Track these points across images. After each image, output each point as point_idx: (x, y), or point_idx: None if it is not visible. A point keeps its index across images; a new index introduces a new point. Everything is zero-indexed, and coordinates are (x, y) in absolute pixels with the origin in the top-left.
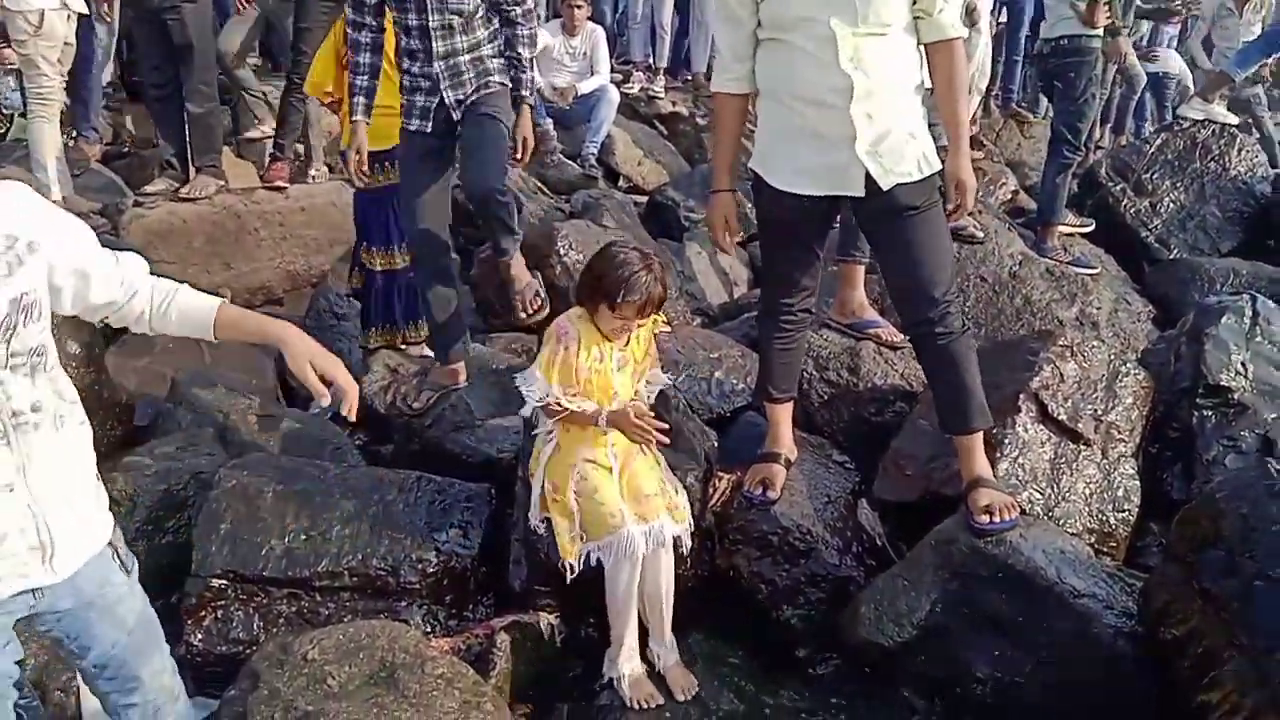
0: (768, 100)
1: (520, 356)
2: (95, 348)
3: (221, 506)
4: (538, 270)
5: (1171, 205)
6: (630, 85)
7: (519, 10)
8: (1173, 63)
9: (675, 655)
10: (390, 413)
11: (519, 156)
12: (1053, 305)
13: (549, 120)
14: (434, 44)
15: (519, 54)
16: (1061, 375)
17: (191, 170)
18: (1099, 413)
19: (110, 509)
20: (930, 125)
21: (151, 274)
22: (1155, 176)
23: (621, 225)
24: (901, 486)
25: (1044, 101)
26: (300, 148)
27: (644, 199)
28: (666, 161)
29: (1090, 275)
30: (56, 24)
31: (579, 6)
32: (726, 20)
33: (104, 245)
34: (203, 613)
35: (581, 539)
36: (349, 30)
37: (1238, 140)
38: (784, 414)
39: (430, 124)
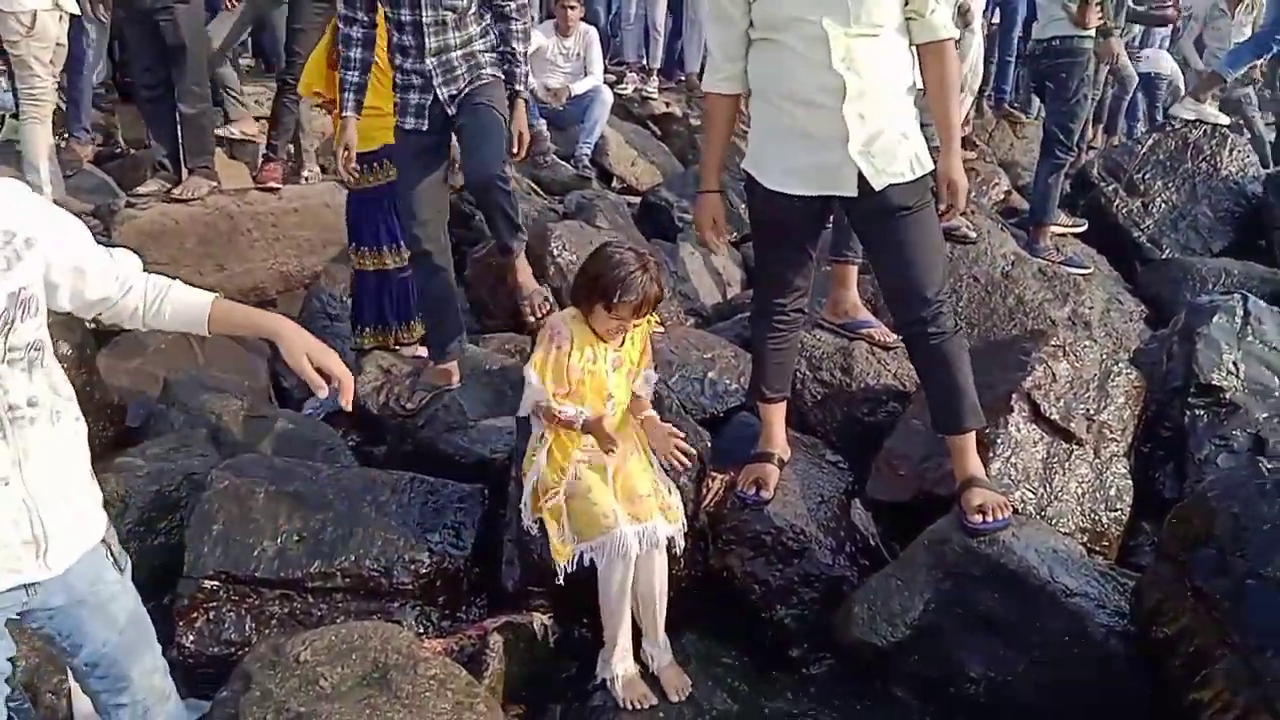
0: (760, 101)
1: (514, 357)
2: (87, 349)
3: (214, 507)
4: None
5: (1163, 205)
6: (624, 86)
7: (513, 5)
8: (1164, 63)
9: (669, 655)
10: (383, 413)
11: (515, 150)
12: (1045, 305)
13: (542, 121)
14: (427, 40)
15: (514, 48)
16: (1054, 375)
17: (184, 171)
18: (1091, 412)
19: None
20: (923, 126)
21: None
22: (1147, 177)
23: (615, 226)
24: (895, 486)
25: (1036, 102)
26: (291, 149)
27: (637, 200)
28: (660, 162)
29: (1082, 275)
30: (49, 24)
31: (572, 7)
32: (718, 20)
33: None
34: (195, 614)
35: (574, 540)
36: (340, 25)
37: (1229, 140)
38: (777, 414)
39: (426, 122)
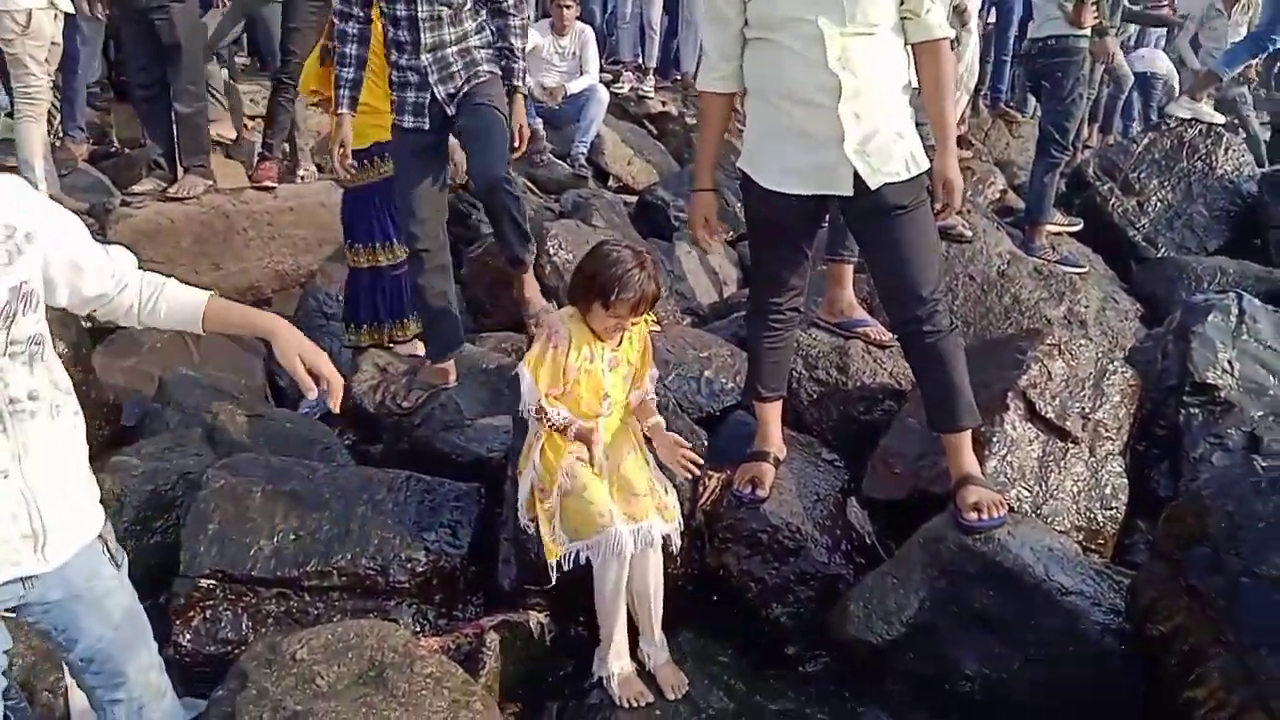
0: (755, 100)
1: (510, 356)
2: (82, 347)
3: (210, 506)
4: None
5: (1159, 204)
6: (619, 85)
7: (509, 1)
8: (1160, 63)
9: (665, 654)
10: (379, 412)
11: (516, 145)
12: (1041, 304)
13: (539, 120)
14: (422, 35)
15: (511, 44)
16: (1049, 373)
17: (179, 170)
18: (1087, 411)
19: None
20: (918, 125)
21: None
22: (1142, 176)
23: (611, 225)
24: (890, 485)
25: (1032, 101)
26: (286, 147)
27: (634, 199)
28: (656, 161)
29: (1078, 274)
30: (44, 23)
31: (568, 6)
32: (713, 19)
33: None
34: (191, 613)
35: (567, 539)
36: (335, 20)
37: (1224, 139)
38: (773, 413)
39: (426, 120)
